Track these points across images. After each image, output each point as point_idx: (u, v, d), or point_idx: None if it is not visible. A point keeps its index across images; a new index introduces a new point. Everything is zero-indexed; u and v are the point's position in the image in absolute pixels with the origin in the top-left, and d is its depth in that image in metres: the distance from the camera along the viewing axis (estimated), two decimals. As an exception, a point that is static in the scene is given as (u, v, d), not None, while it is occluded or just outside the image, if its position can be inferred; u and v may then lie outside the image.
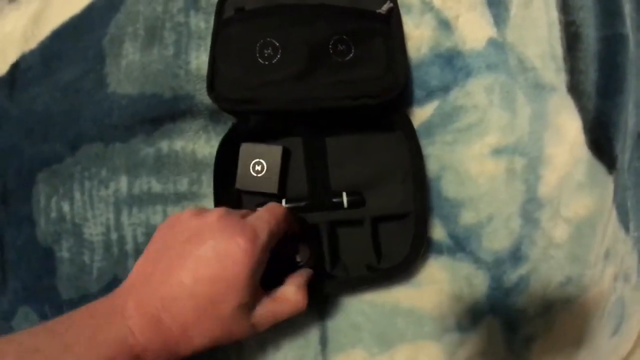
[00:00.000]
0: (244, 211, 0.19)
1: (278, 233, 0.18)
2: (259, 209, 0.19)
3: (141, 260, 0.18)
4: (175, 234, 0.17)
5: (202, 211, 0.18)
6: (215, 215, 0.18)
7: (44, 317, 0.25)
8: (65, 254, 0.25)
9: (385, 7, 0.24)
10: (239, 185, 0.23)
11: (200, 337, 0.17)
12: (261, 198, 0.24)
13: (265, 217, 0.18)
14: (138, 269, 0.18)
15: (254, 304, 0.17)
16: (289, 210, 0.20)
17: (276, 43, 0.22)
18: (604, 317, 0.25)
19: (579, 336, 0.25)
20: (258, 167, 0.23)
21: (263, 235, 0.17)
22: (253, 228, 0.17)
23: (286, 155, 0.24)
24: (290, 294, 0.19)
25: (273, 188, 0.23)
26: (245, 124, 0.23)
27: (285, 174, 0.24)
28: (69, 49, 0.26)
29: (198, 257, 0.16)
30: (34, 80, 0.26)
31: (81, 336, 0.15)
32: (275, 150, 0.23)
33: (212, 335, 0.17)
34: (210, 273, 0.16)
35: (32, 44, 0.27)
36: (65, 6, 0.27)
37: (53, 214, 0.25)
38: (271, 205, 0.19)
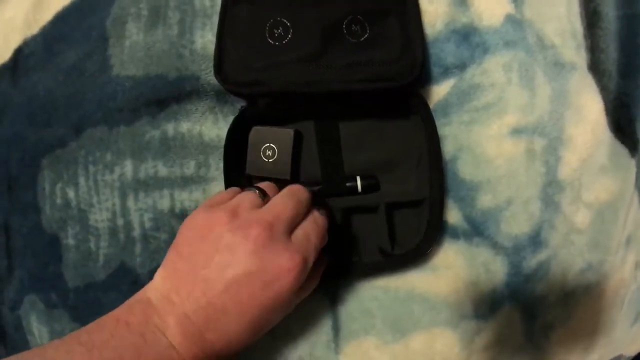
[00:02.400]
0: (285, 217, 0.17)
1: (321, 246, 0.18)
2: (306, 220, 0.18)
3: (169, 269, 0.17)
4: (208, 247, 0.16)
5: (237, 220, 0.16)
6: (255, 232, 0.16)
7: (50, 305, 0.25)
8: (71, 241, 0.24)
9: (400, -15, 0.23)
10: (249, 170, 0.22)
11: (243, 346, 0.17)
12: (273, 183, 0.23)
13: (312, 235, 0.17)
14: (169, 281, 0.16)
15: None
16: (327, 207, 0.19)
17: (287, 23, 0.21)
18: (624, 306, 0.24)
19: (598, 325, 0.24)
20: (269, 152, 0.22)
21: (310, 257, 0.17)
22: (300, 250, 0.16)
23: (298, 139, 0.23)
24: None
25: (285, 173, 0.22)
26: (255, 107, 0.22)
27: (298, 159, 0.23)
28: (71, 32, 0.26)
29: (240, 282, 0.16)
30: (37, 65, 0.26)
31: (125, 355, 0.15)
32: (287, 134, 0.22)
33: (251, 342, 0.17)
34: (256, 299, 0.16)
35: (35, 29, 0.26)
36: (68, -10, 0.26)
37: (58, 201, 0.25)
38: (316, 218, 0.18)
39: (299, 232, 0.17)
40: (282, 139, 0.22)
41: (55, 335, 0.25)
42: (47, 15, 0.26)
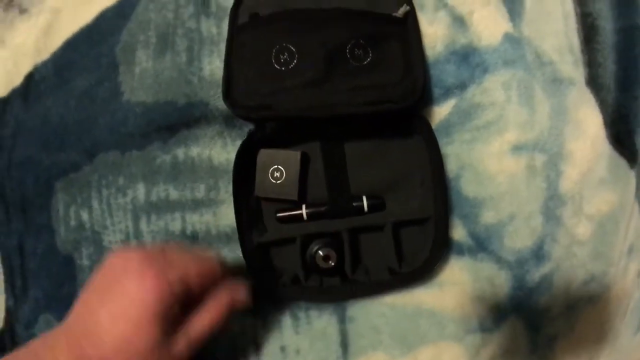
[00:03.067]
0: (176, 253, 0.18)
1: (192, 283, 0.18)
2: (194, 251, 0.19)
3: (80, 297, 0.18)
4: (105, 274, 0.18)
5: (130, 251, 0.18)
6: (138, 257, 0.18)
7: (66, 324, 0.25)
8: (85, 262, 0.25)
9: (401, 11, 0.24)
10: (258, 192, 0.23)
11: None
12: (281, 204, 0.23)
13: (184, 266, 0.18)
14: (76, 306, 0.18)
15: (170, 341, 0.17)
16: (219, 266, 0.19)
17: (292, 48, 0.22)
18: (627, 314, 0.25)
19: (602, 334, 0.24)
20: (277, 174, 0.23)
21: (176, 287, 0.17)
22: (167, 277, 0.17)
23: (305, 161, 0.23)
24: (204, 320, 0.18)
25: (293, 194, 0.23)
26: (262, 131, 0.23)
27: (305, 180, 0.24)
28: (82, 59, 0.27)
29: (114, 296, 0.17)
30: (48, 91, 0.27)
31: None
32: (294, 156, 0.23)
33: None
34: (122, 313, 0.17)
35: (45, 54, 0.27)
36: (76, 16, 0.27)
37: (72, 222, 0.26)
38: (202, 259, 0.19)
39: (176, 259, 0.18)
40: (289, 161, 0.23)
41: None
42: (57, 41, 0.27)
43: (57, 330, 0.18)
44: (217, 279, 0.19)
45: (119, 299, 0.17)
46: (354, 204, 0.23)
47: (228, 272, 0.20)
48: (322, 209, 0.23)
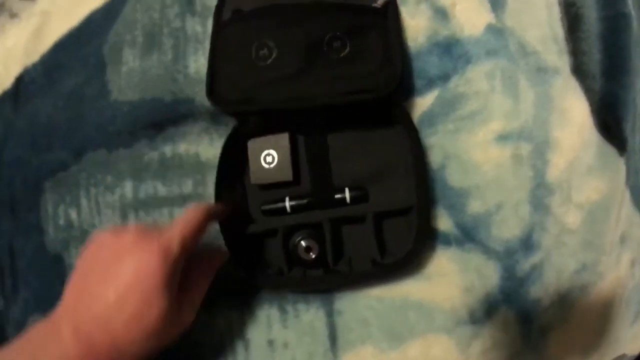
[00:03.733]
0: (163, 226, 0.19)
1: (193, 240, 0.19)
2: (176, 218, 0.20)
3: (71, 283, 0.19)
4: (99, 255, 0.18)
5: (120, 230, 0.19)
6: (132, 232, 0.18)
7: (56, 324, 0.26)
8: (74, 261, 0.25)
9: (380, 1, 0.24)
10: (254, 180, 0.23)
11: (131, 347, 0.17)
12: (266, 197, 0.24)
13: (179, 228, 0.19)
14: (69, 292, 0.18)
15: (178, 307, 0.18)
16: (210, 210, 0.20)
17: (271, 44, 0.22)
18: (622, 305, 0.24)
19: (596, 325, 0.24)
20: (269, 159, 0.23)
21: (175, 247, 0.18)
22: (165, 241, 0.18)
23: (294, 142, 0.24)
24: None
25: (287, 175, 0.23)
26: (246, 125, 0.23)
27: (297, 160, 0.24)
28: (70, 60, 0.27)
29: (117, 274, 0.17)
30: (37, 92, 0.27)
31: None
32: (283, 138, 0.23)
33: (141, 345, 0.18)
34: (130, 288, 0.17)
35: (35, 57, 0.28)
36: (65, 20, 0.28)
37: (61, 222, 0.26)
38: (187, 213, 0.20)
39: (167, 228, 0.18)
40: (279, 143, 0.23)
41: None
42: (46, 43, 0.28)
43: (54, 319, 0.18)
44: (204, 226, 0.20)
45: (122, 276, 0.17)
46: (337, 196, 0.23)
47: (213, 212, 0.20)
48: (305, 201, 0.23)
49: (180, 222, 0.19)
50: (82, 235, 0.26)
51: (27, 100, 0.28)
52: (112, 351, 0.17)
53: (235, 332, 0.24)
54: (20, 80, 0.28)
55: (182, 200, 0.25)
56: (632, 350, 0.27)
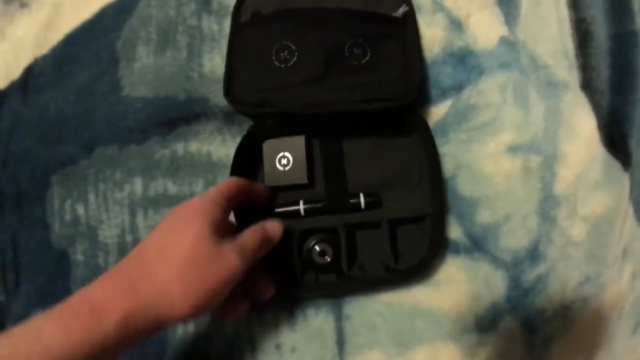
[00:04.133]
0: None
1: (229, 195, 0.19)
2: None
3: (135, 254, 0.18)
4: (160, 232, 0.19)
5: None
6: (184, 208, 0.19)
7: (57, 320, 0.25)
8: (79, 257, 0.25)
9: (400, 11, 0.24)
10: (268, 182, 0.23)
11: (163, 270, 0.16)
12: (289, 195, 0.23)
13: (216, 188, 0.20)
14: (128, 262, 0.18)
15: (221, 242, 0.18)
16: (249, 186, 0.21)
17: (292, 46, 0.22)
18: (622, 317, 0.24)
19: (597, 336, 0.24)
20: (284, 161, 0.23)
21: (213, 197, 0.19)
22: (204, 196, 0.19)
23: (309, 145, 0.24)
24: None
25: (302, 178, 0.23)
26: (263, 127, 0.23)
27: (312, 163, 0.24)
28: (81, 53, 0.26)
29: (169, 245, 0.18)
30: (47, 85, 0.27)
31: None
32: (299, 141, 0.23)
33: (174, 271, 0.17)
34: (167, 224, 0.18)
35: (45, 48, 0.27)
36: (77, 11, 0.27)
37: (67, 217, 0.25)
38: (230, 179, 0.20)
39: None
40: (294, 146, 0.23)
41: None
42: (57, 35, 0.27)
43: (101, 280, 0.17)
44: (249, 191, 0.21)
45: (164, 223, 0.18)
46: (351, 201, 0.23)
47: (256, 188, 0.21)
48: (319, 205, 0.23)
49: (221, 184, 0.20)
50: (88, 231, 0.25)
51: (37, 92, 0.27)
52: (141, 274, 0.16)
53: (242, 335, 0.23)
54: (29, 71, 0.27)
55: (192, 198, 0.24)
56: (629, 362, 0.27)
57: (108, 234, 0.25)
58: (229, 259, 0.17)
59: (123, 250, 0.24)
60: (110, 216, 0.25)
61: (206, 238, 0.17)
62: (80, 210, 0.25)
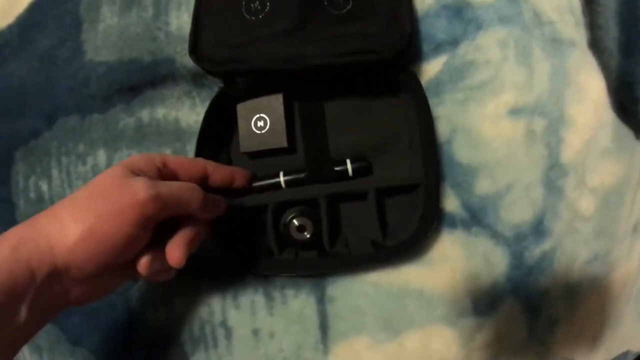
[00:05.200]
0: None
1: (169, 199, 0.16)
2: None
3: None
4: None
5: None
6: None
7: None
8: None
9: (386, -45, 0.20)
10: (243, 148, 0.20)
11: (60, 202, 0.15)
12: (267, 163, 0.20)
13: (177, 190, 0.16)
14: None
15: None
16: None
17: None
18: (631, 300, 0.21)
19: (605, 319, 0.21)
20: (260, 123, 0.19)
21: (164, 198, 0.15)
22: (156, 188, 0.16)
23: (288, 104, 0.20)
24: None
25: (281, 141, 0.19)
26: (234, 87, 0.20)
27: (292, 124, 0.20)
28: (46, 19, 0.23)
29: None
30: (11, 55, 0.23)
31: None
32: (276, 100, 0.19)
33: (67, 199, 0.15)
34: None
35: (10, 18, 0.24)
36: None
37: (32, 195, 0.22)
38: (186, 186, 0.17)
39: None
40: (271, 106, 0.19)
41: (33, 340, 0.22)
42: (22, 3, 0.24)
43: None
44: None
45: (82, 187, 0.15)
46: (337, 169, 0.19)
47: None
48: (302, 175, 0.19)
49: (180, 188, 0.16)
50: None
51: (2, 63, 0.23)
52: (46, 218, 0.14)
53: (216, 320, 0.20)
54: (-5, 43, 0.24)
55: (160, 172, 0.21)
56: (637, 347, 0.23)
57: (72, 211, 0.22)
58: (134, 190, 0.15)
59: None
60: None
61: (115, 174, 0.15)
62: (44, 186, 0.22)
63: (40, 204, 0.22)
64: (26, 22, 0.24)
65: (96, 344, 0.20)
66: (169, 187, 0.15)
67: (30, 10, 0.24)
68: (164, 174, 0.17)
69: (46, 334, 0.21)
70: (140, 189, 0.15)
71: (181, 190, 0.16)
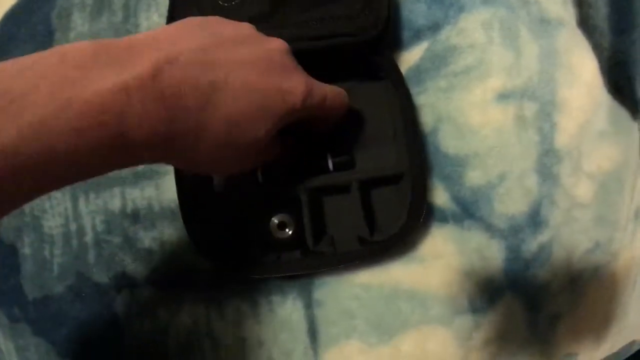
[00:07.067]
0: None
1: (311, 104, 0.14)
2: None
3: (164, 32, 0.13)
4: (213, 31, 0.13)
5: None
6: (276, 44, 0.14)
7: (14, 320, 0.20)
8: (27, 250, 0.20)
9: None
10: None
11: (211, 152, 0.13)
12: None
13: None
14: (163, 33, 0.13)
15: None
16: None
17: None
18: (636, 288, 0.19)
19: (609, 310, 0.18)
20: None
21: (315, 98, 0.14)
22: (310, 84, 0.14)
23: None
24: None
25: None
26: None
27: None
28: (19, 31, 0.21)
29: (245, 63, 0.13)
30: None
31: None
32: None
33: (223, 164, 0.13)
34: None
35: None
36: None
37: (14, 208, 0.20)
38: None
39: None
40: None
41: (20, 352, 0.20)
42: (-1, 17, 0.22)
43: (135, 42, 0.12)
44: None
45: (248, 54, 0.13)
46: (317, 164, 0.17)
47: None
48: (279, 170, 0.17)
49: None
50: (33, 222, 0.20)
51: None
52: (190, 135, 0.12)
53: (201, 330, 0.18)
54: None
55: (135, 178, 0.19)
56: (643, 335, 0.21)
57: (52, 223, 0.20)
58: (294, 83, 0.13)
59: (68, 240, 0.19)
60: (53, 204, 0.20)
61: (286, 48, 0.14)
62: (25, 199, 0.20)
63: (22, 216, 0.20)
64: (1, 35, 0.22)
65: (83, 356, 0.19)
66: (322, 89, 0.14)
67: (5, 23, 0.22)
68: None
69: (35, 347, 0.19)
70: (301, 83, 0.13)
71: (334, 93, 0.15)
